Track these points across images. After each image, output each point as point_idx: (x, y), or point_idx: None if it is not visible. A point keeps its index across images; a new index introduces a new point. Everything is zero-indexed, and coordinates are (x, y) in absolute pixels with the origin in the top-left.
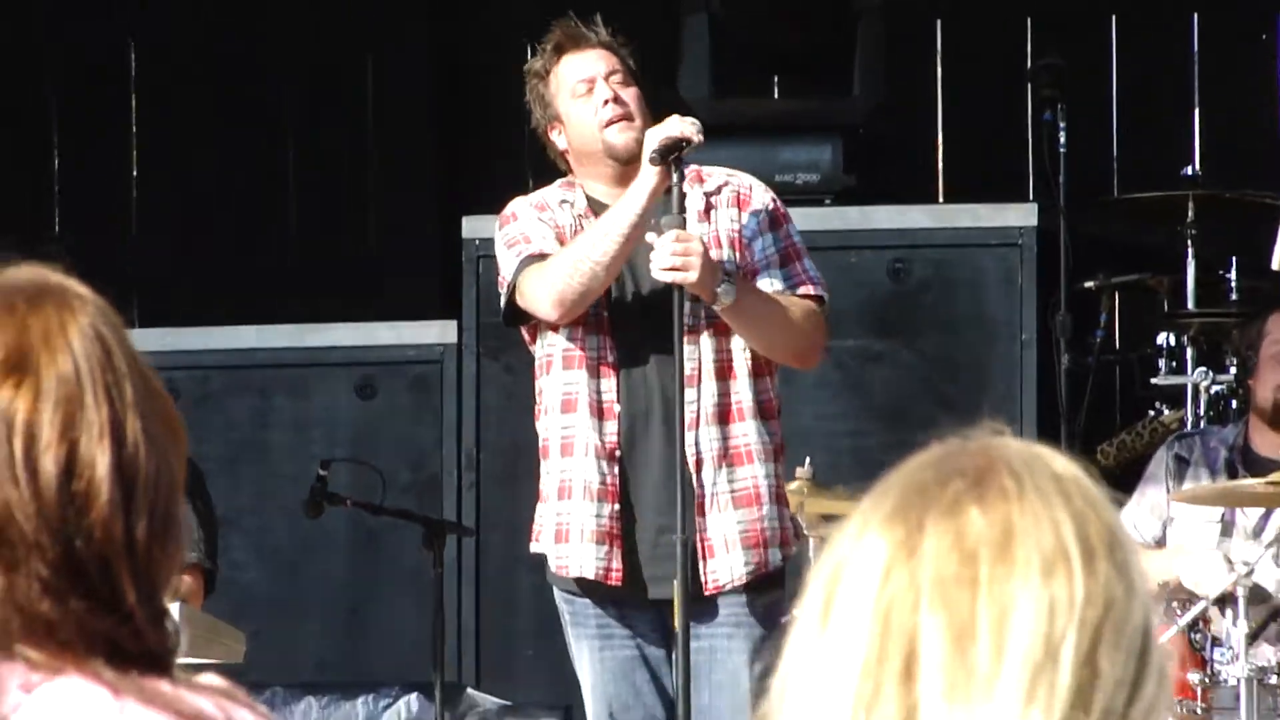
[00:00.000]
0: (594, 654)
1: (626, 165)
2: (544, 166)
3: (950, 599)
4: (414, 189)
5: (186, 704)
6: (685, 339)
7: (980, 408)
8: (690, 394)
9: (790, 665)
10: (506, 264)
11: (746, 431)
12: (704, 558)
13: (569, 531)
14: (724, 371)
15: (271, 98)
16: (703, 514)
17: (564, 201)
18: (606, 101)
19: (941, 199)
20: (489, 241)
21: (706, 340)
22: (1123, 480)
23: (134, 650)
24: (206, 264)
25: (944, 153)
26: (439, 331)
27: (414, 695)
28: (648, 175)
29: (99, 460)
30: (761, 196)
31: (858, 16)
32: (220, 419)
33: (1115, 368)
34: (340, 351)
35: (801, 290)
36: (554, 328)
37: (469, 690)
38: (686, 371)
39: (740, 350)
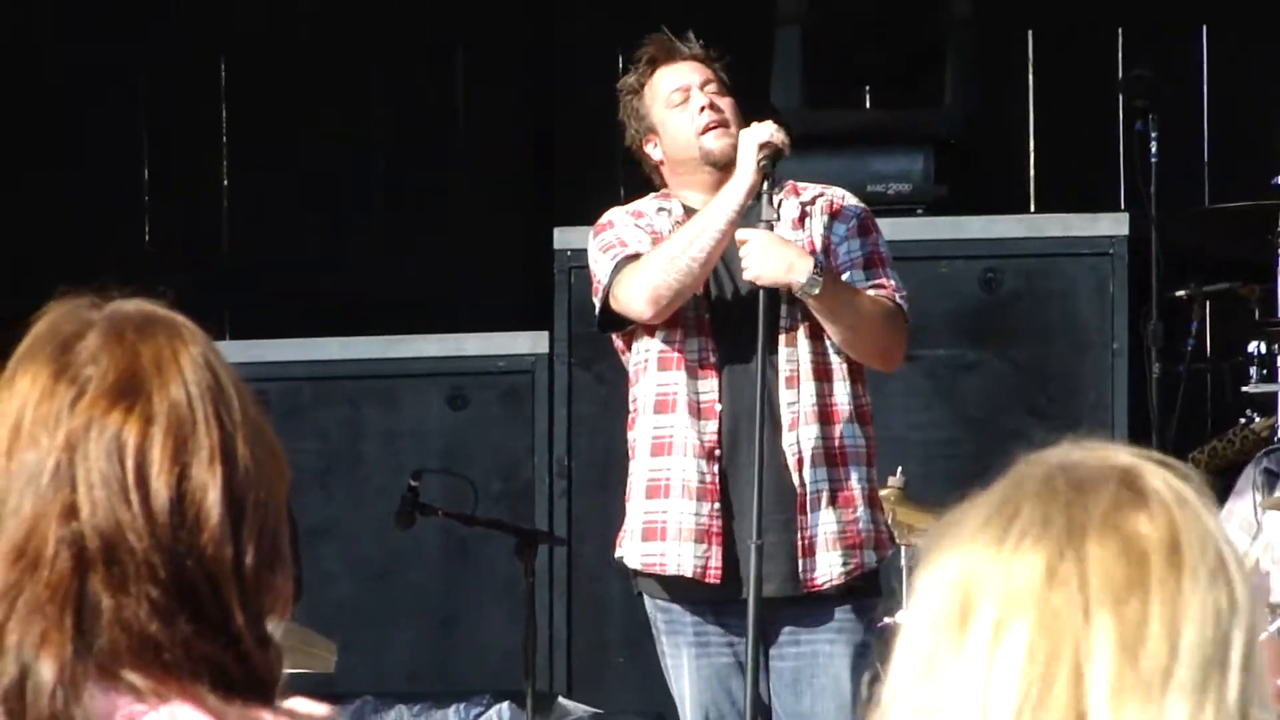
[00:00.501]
0: (691, 662)
1: (723, 171)
2: (637, 178)
3: (1121, 604)
4: (505, 199)
5: None
6: (783, 341)
7: (1073, 417)
8: (790, 395)
9: (913, 677)
10: (601, 269)
11: (845, 433)
12: (803, 555)
13: (665, 529)
14: (822, 373)
15: (360, 109)
16: (803, 511)
17: (661, 209)
18: (703, 108)
19: (1033, 209)
20: (580, 252)
21: (804, 342)
22: (1214, 488)
23: (239, 676)
24: (297, 277)
25: (1035, 163)
26: (530, 342)
27: (506, 704)
28: (745, 175)
29: (210, 484)
30: (853, 206)
31: (949, 27)
32: (311, 430)
33: (1206, 376)
34: (429, 362)
35: (882, 292)
36: (650, 332)
37: (560, 699)
38: (786, 373)
39: (836, 354)
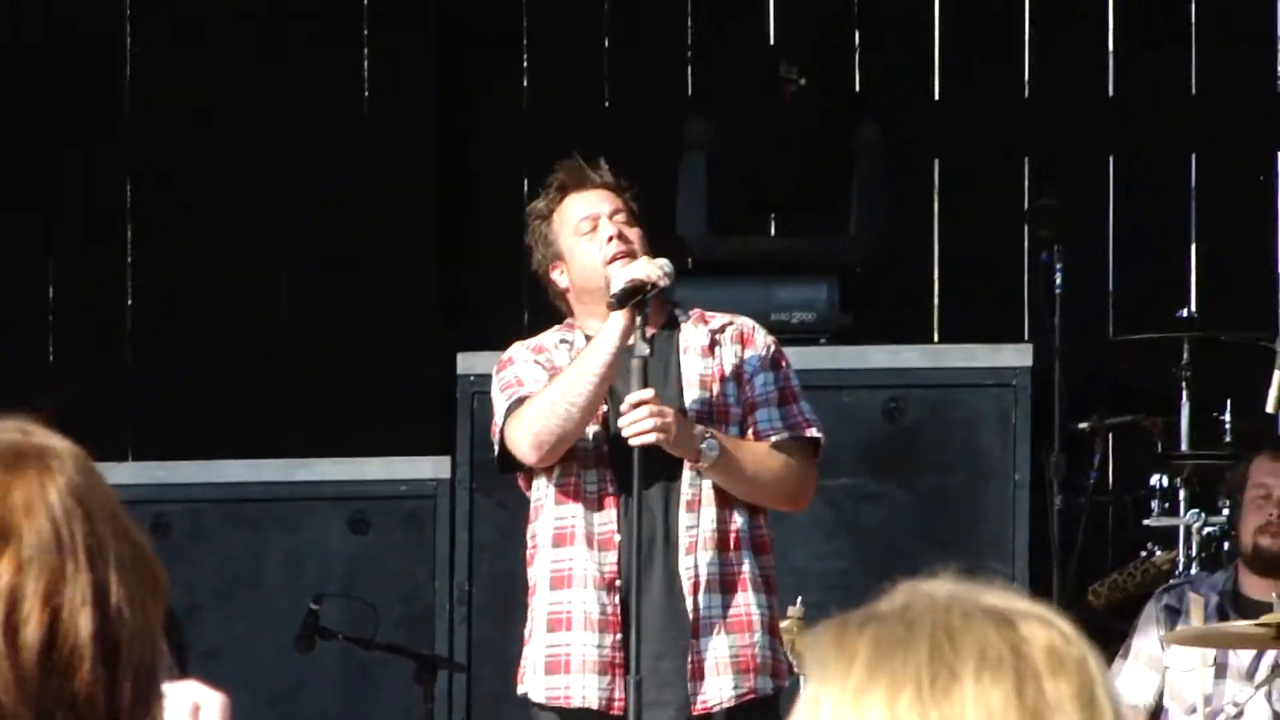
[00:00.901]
0: None
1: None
2: (541, 304)
3: None
4: (410, 325)
5: None
6: (687, 465)
7: (974, 547)
8: (690, 519)
9: None
10: (498, 409)
11: (743, 560)
12: (695, 678)
13: (569, 662)
14: (723, 500)
15: (267, 230)
16: (696, 636)
17: (563, 341)
18: (611, 238)
19: (937, 339)
20: (484, 378)
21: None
22: (1114, 621)
23: None
24: (200, 398)
25: (940, 292)
26: (432, 467)
27: None
28: (614, 318)
29: (82, 627)
30: (763, 338)
31: (855, 156)
32: (213, 552)
33: (1108, 508)
34: (333, 486)
35: (798, 433)
36: (548, 470)
37: None
38: (687, 497)
39: None
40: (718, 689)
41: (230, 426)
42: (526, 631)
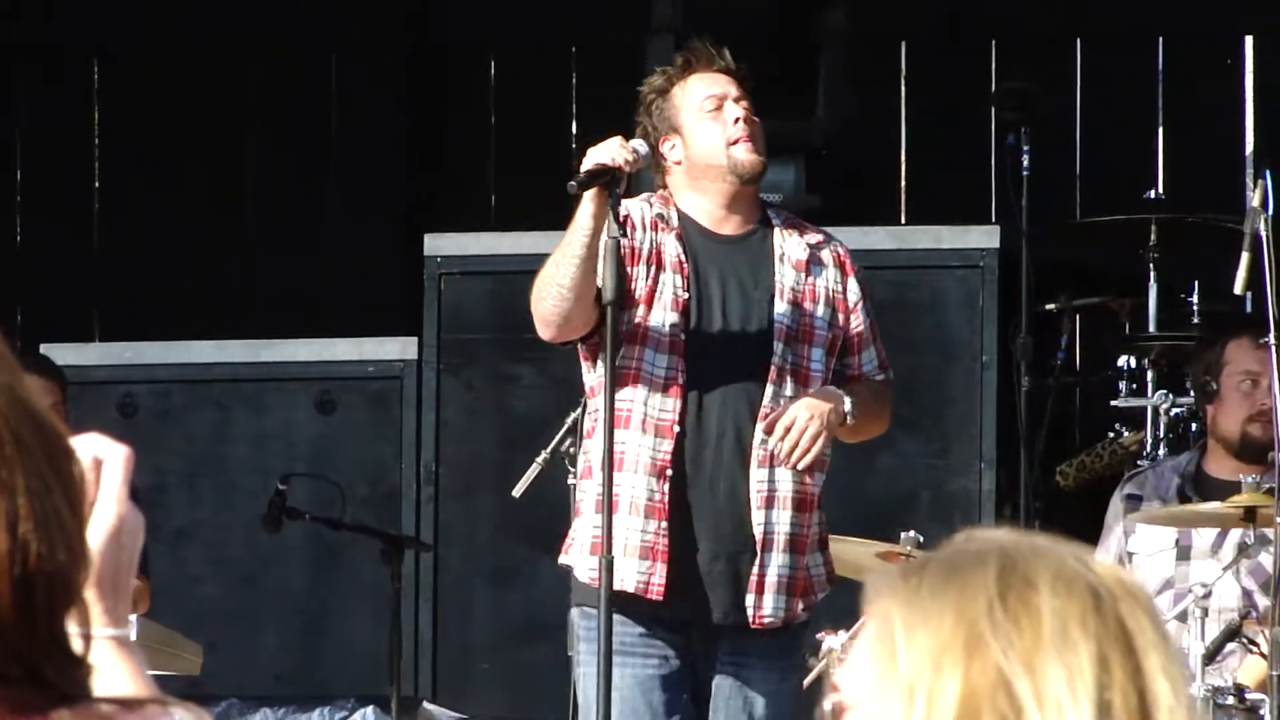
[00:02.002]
0: (613, 670)
1: (745, 184)
2: (509, 185)
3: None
4: (377, 205)
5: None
6: (771, 376)
7: (941, 430)
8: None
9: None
10: None
11: (814, 481)
12: (755, 592)
13: (610, 545)
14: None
15: (234, 111)
16: (766, 550)
17: (659, 218)
18: (738, 120)
19: (904, 220)
20: (451, 259)
21: (789, 385)
22: (1080, 503)
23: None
24: (168, 278)
25: (907, 175)
26: (399, 348)
27: (370, 708)
28: (584, 201)
29: None
30: (855, 263)
31: (822, 38)
32: (180, 433)
33: (1076, 390)
34: (300, 366)
35: (886, 372)
36: (620, 346)
37: (425, 704)
38: (766, 411)
39: None
40: (775, 607)
41: (198, 307)
42: (578, 509)
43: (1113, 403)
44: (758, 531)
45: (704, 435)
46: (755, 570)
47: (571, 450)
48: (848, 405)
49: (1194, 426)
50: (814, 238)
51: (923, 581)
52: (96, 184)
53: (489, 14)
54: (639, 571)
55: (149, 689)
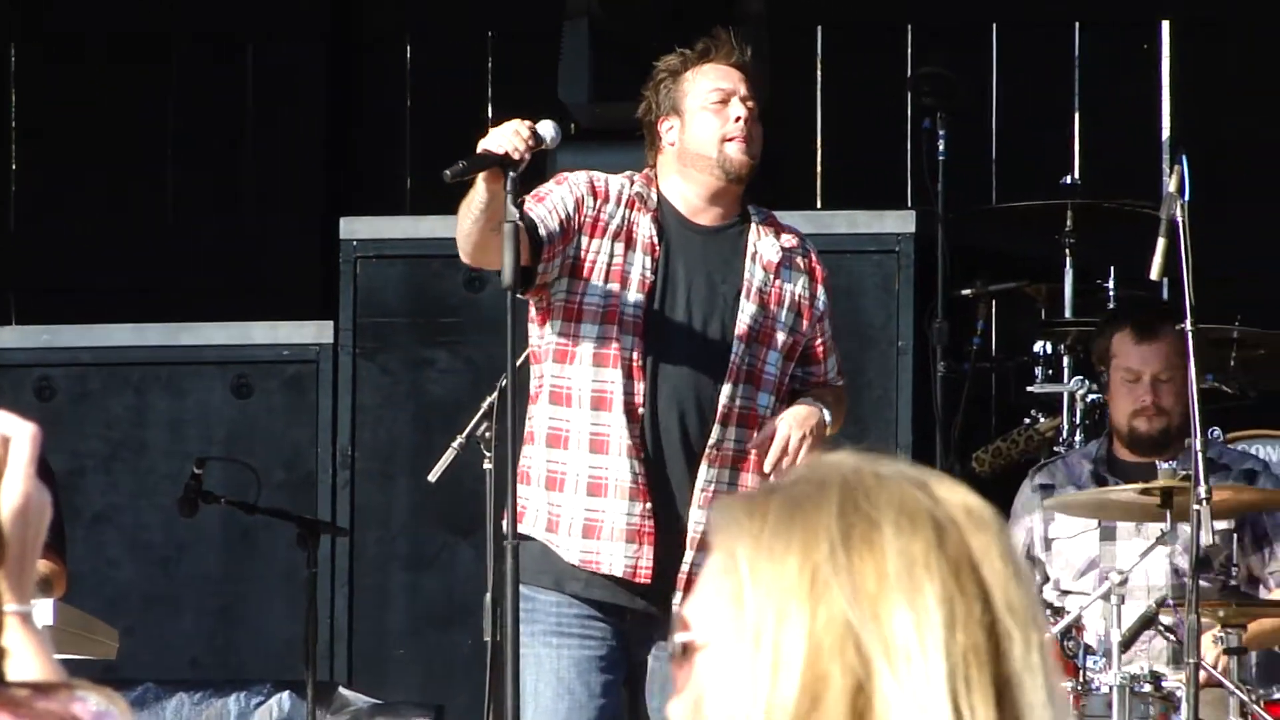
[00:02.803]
0: (549, 649)
1: (730, 183)
2: (423, 167)
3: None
4: (294, 188)
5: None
6: (729, 380)
7: (857, 414)
8: (719, 433)
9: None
10: None
11: (757, 482)
12: (683, 590)
13: (602, 528)
14: (751, 421)
15: (151, 92)
16: (699, 549)
17: (638, 197)
18: (739, 119)
19: (820, 205)
20: (366, 243)
21: (744, 386)
22: (996, 488)
23: None
24: (84, 262)
25: (823, 159)
26: (315, 331)
27: (286, 693)
28: (477, 186)
29: None
30: (824, 269)
31: (739, 21)
32: (97, 416)
33: (992, 375)
34: (216, 350)
35: (842, 378)
36: (572, 317)
37: (341, 689)
38: (723, 411)
39: (768, 409)
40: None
41: (114, 291)
42: (535, 480)
43: (1029, 388)
44: (693, 529)
45: (658, 421)
46: (685, 567)
47: (487, 434)
48: (827, 416)
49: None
50: (790, 241)
51: (767, 518)
52: (13, 166)
53: (406, 1)
54: (625, 555)
55: (55, 668)
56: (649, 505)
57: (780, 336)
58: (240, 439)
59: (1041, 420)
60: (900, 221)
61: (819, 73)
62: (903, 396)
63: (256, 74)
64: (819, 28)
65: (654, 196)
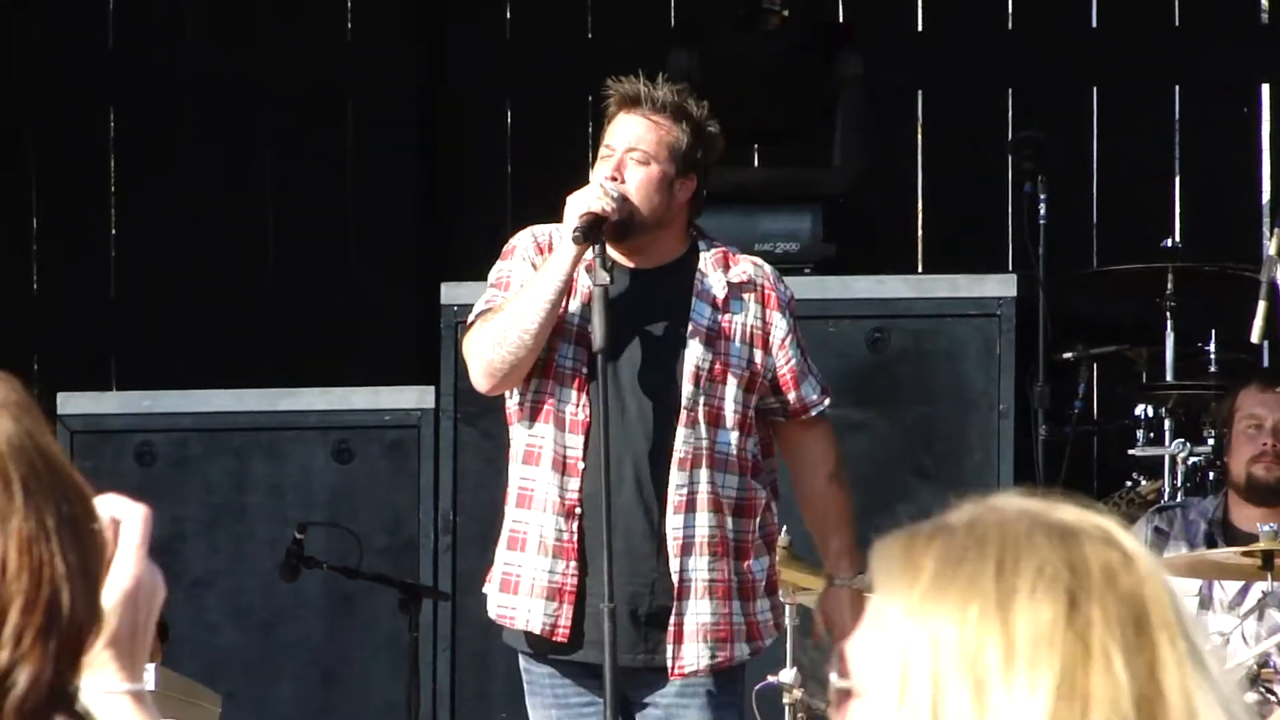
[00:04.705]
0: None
1: (628, 238)
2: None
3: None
4: (395, 253)
5: None
6: (683, 420)
7: (958, 478)
8: (681, 478)
9: None
10: (477, 306)
11: (729, 524)
12: (675, 641)
13: (519, 584)
14: (715, 462)
15: (251, 158)
16: (680, 599)
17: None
18: (609, 176)
19: (921, 269)
20: (467, 308)
21: (703, 427)
22: None
23: None
24: (185, 327)
25: (924, 223)
26: (416, 397)
27: None
28: (566, 249)
29: None
30: (783, 294)
31: (839, 86)
32: (197, 481)
33: (1093, 439)
34: (317, 415)
35: (823, 400)
36: (525, 381)
37: None
38: (680, 455)
39: (735, 443)
40: (696, 655)
41: (215, 356)
42: (501, 538)
43: (1130, 451)
44: (675, 578)
45: (610, 475)
46: (674, 618)
47: None
48: (865, 583)
49: (1211, 475)
50: (740, 273)
51: (919, 577)
52: (113, 231)
53: (506, 63)
54: (545, 613)
55: None
56: (573, 564)
57: (737, 371)
58: (341, 504)
59: (1144, 483)
60: (1001, 285)
61: (920, 136)
62: (1004, 460)
63: (355, 135)
64: (919, 91)
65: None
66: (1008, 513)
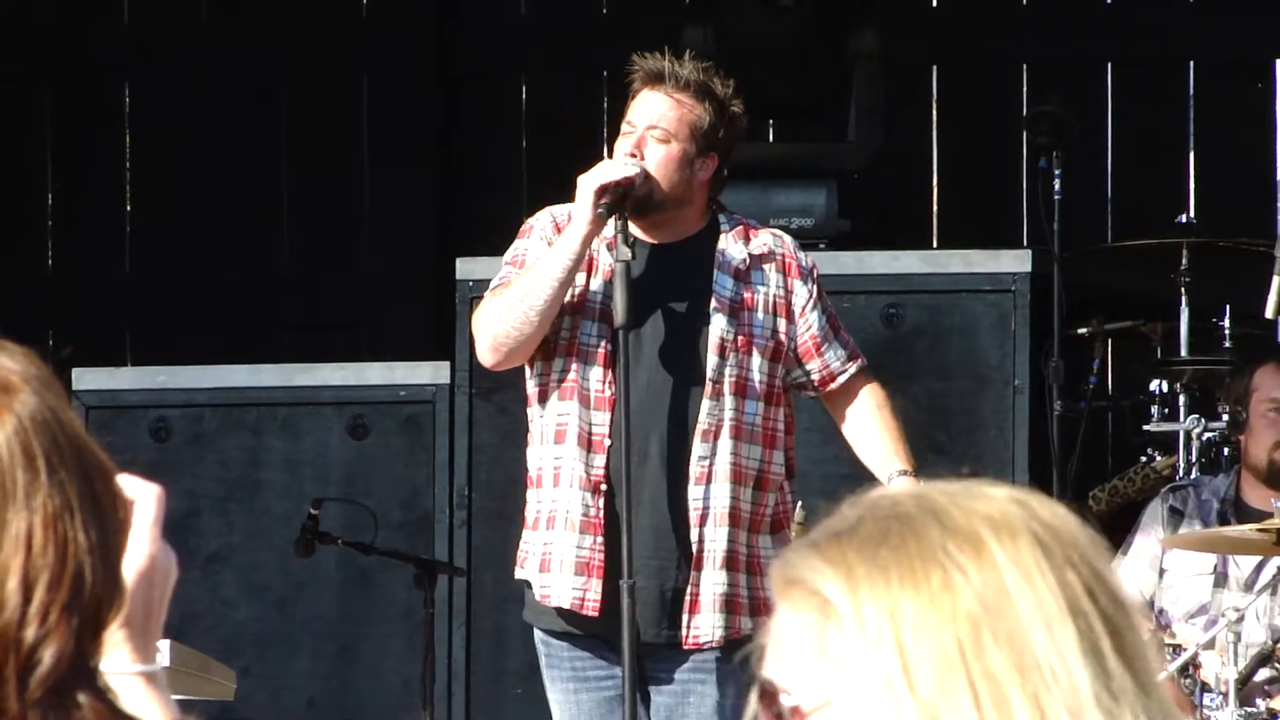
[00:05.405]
0: (568, 695)
1: (651, 214)
2: (537, 205)
3: None
4: (410, 229)
5: None
6: (708, 392)
7: (973, 454)
8: (704, 449)
9: None
10: (494, 279)
11: (749, 496)
12: (689, 611)
13: (550, 561)
14: (738, 433)
15: (266, 137)
16: (698, 569)
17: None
18: (629, 153)
19: (936, 244)
20: (482, 283)
21: (728, 399)
22: (1115, 526)
23: None
24: (200, 303)
25: (939, 198)
26: (431, 372)
27: None
28: (579, 223)
29: (11, 571)
30: (804, 262)
31: (854, 62)
32: (213, 457)
33: (1108, 414)
34: (332, 391)
35: (853, 363)
36: (547, 358)
37: None
38: (704, 427)
39: (760, 414)
40: (711, 626)
41: (230, 332)
42: (528, 520)
43: (1145, 427)
44: (694, 548)
45: (633, 449)
46: (690, 588)
47: None
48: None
49: (1226, 451)
50: (760, 244)
51: (853, 562)
52: (128, 207)
53: (520, 40)
54: (572, 588)
55: None
56: (600, 539)
57: (761, 341)
58: (357, 480)
59: (1158, 459)
60: (1016, 261)
61: (934, 112)
62: (1019, 436)
63: (370, 113)
64: (934, 67)
65: (610, 220)
66: (902, 494)
